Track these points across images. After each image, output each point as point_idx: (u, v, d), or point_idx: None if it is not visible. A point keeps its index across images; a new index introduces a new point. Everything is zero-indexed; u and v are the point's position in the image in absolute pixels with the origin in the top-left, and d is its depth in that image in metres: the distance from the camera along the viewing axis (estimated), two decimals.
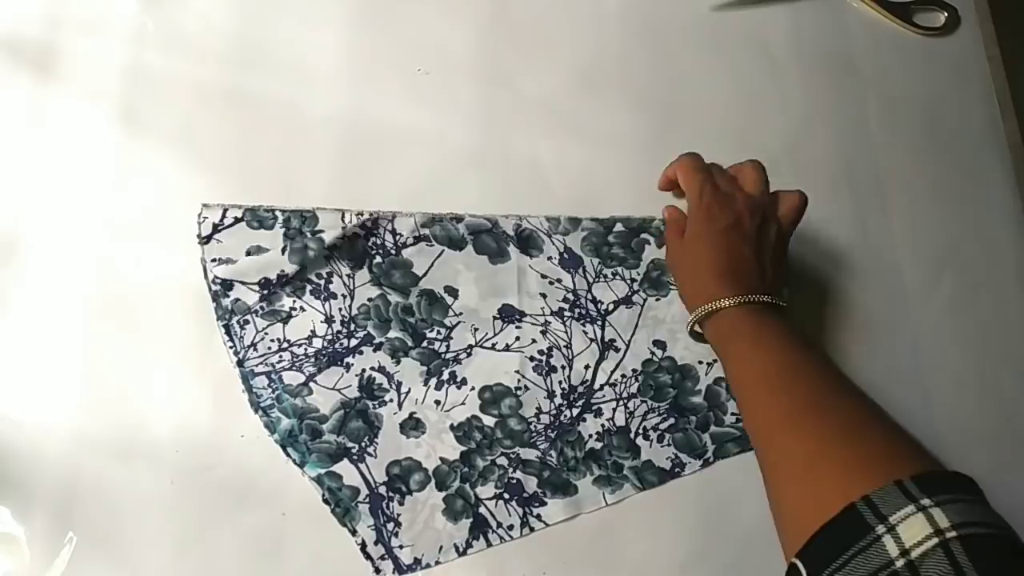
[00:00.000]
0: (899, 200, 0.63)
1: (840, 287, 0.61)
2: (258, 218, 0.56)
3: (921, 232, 0.63)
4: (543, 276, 0.58)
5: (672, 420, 0.56)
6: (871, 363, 0.59)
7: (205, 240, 0.56)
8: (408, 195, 0.58)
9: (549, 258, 0.58)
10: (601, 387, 0.56)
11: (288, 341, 0.55)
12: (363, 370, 0.55)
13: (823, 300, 0.60)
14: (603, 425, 0.56)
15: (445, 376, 0.55)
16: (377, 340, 0.55)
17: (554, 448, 0.55)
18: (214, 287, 0.55)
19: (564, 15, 0.65)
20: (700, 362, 0.58)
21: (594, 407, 0.56)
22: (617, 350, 0.57)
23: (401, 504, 0.53)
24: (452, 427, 0.54)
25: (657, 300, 0.59)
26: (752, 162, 0.54)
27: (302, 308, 0.55)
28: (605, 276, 0.58)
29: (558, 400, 0.56)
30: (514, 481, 0.54)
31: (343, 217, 0.57)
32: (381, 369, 0.55)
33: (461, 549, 0.52)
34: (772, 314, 0.49)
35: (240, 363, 0.54)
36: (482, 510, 0.53)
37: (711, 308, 0.49)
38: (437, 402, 0.55)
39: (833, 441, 0.41)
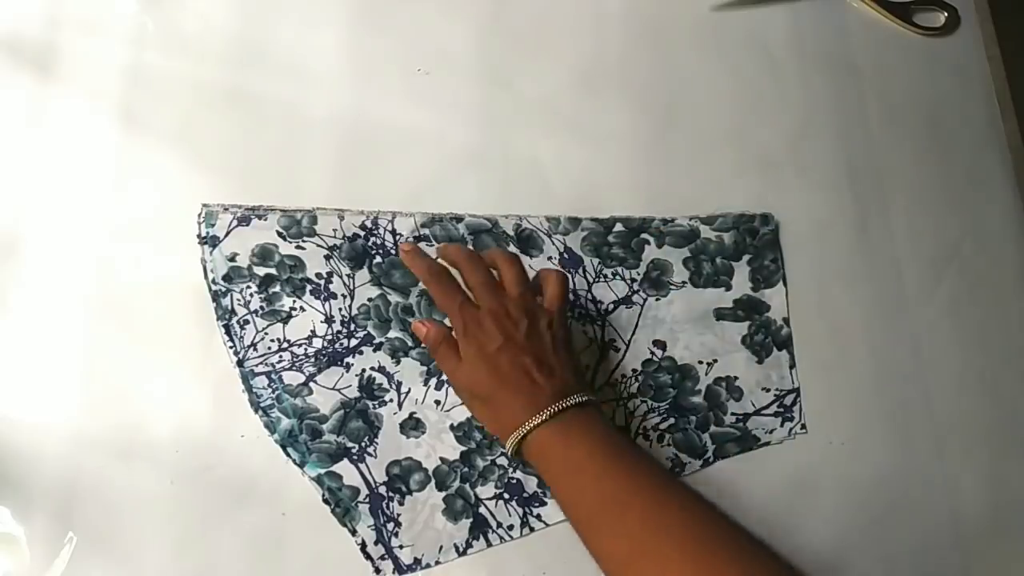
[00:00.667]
0: (899, 200, 0.63)
1: (840, 287, 0.61)
2: (258, 218, 0.56)
3: (921, 232, 0.63)
4: None
5: (672, 420, 0.56)
6: (871, 363, 0.59)
7: (205, 240, 0.56)
8: (408, 195, 0.58)
9: (549, 258, 0.58)
10: (601, 387, 0.56)
11: (288, 341, 0.55)
12: (363, 370, 0.55)
13: (823, 300, 0.60)
14: None
15: (445, 376, 0.55)
16: (377, 340, 0.55)
17: None
18: (214, 287, 0.55)
19: (564, 15, 0.65)
20: (700, 362, 0.58)
21: None
22: (617, 350, 0.57)
23: (401, 504, 0.53)
24: (452, 427, 0.54)
25: (657, 300, 0.59)
26: (504, 258, 0.51)
27: (302, 308, 0.55)
28: (605, 276, 0.58)
29: None
30: (514, 481, 0.54)
31: (343, 217, 0.57)
32: (381, 369, 0.55)
33: (461, 549, 0.52)
34: (581, 423, 0.47)
35: (240, 363, 0.54)
36: (482, 510, 0.53)
37: (516, 437, 0.47)
38: (437, 402, 0.55)
39: (685, 571, 0.41)
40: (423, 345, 0.54)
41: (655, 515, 0.43)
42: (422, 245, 0.57)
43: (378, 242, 0.57)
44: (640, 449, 0.54)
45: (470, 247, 0.57)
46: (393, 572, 0.51)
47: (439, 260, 0.53)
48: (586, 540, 0.45)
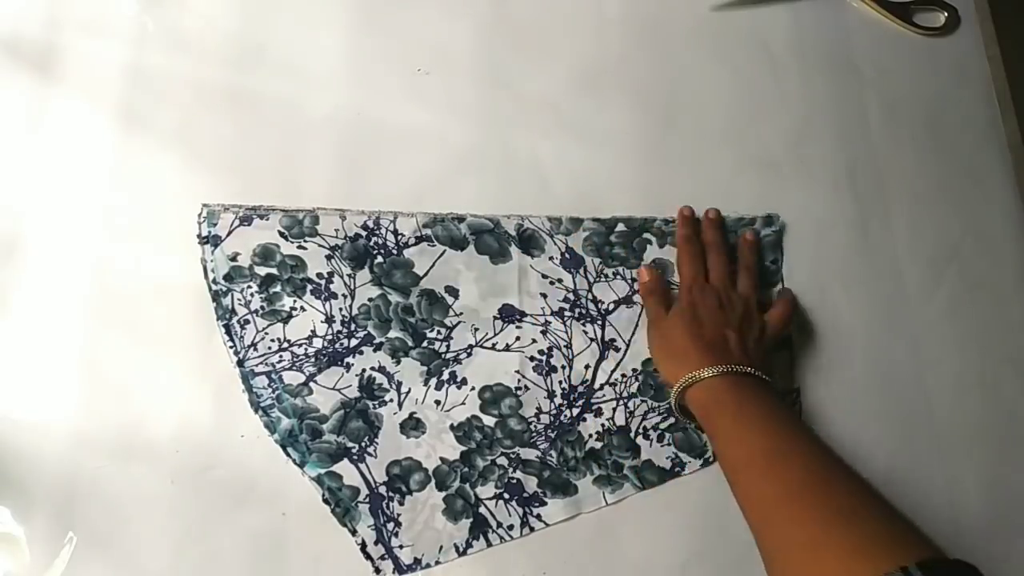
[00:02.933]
0: (899, 200, 0.63)
1: (840, 287, 0.61)
2: (260, 218, 0.56)
3: (921, 232, 0.63)
4: (544, 276, 0.58)
5: (672, 419, 0.56)
6: (871, 363, 0.59)
7: (205, 240, 0.56)
8: (408, 195, 0.58)
9: (551, 258, 0.58)
10: (601, 387, 0.56)
11: (288, 341, 0.55)
12: (363, 370, 0.55)
13: (823, 300, 0.60)
14: (603, 425, 0.56)
15: (445, 376, 0.55)
16: (377, 340, 0.55)
17: (554, 448, 0.55)
18: (214, 287, 0.55)
19: (564, 15, 0.65)
20: None
21: (594, 407, 0.56)
22: (617, 350, 0.57)
23: (401, 504, 0.53)
24: (452, 427, 0.54)
25: None
26: (748, 269, 0.57)
27: (302, 308, 0.55)
28: (606, 276, 0.58)
29: (558, 400, 0.56)
30: (514, 481, 0.54)
31: (345, 217, 0.57)
32: (381, 369, 0.55)
33: (461, 549, 0.52)
34: (756, 387, 0.49)
35: (240, 363, 0.54)
36: (482, 510, 0.53)
37: (694, 377, 0.50)
38: (437, 402, 0.55)
39: (833, 525, 0.41)
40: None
41: (812, 467, 0.45)
42: (424, 245, 0.57)
43: (379, 242, 0.57)
44: (816, 437, 0.54)
45: (472, 248, 0.57)
46: (393, 572, 0.51)
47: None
48: (738, 482, 0.46)
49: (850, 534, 0.40)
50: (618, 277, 0.59)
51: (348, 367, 0.55)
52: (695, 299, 0.54)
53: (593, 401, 0.56)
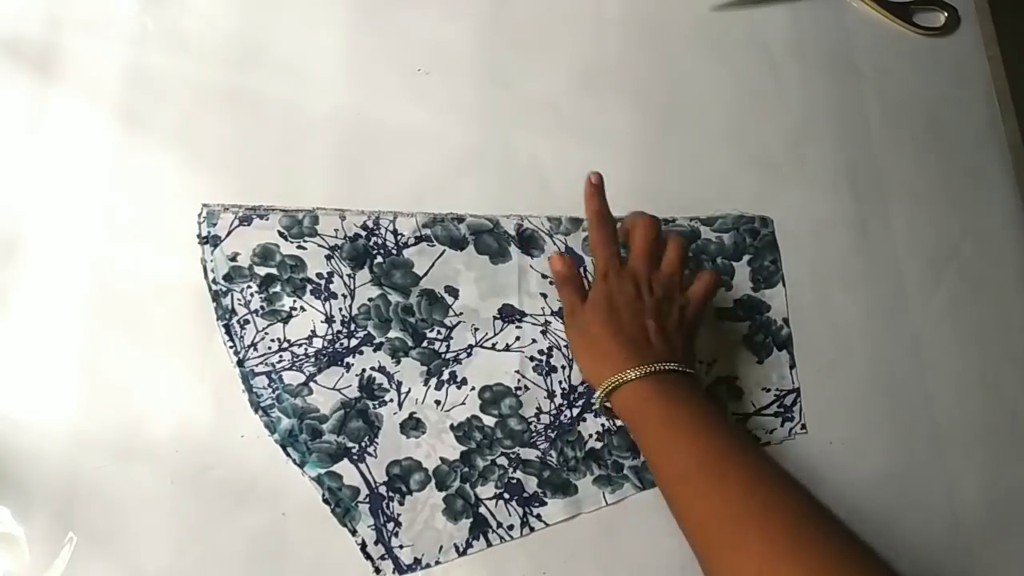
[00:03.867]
0: (899, 200, 0.63)
1: (840, 287, 0.61)
2: (260, 218, 0.56)
3: (921, 232, 0.63)
4: (544, 276, 0.58)
5: None
6: (871, 363, 0.59)
7: (205, 240, 0.56)
8: (408, 195, 0.58)
9: (550, 258, 0.58)
10: None
11: (288, 341, 0.55)
12: (363, 370, 0.55)
13: (823, 300, 0.60)
14: (603, 425, 0.56)
15: (445, 376, 0.55)
16: (377, 340, 0.55)
17: (554, 448, 0.55)
18: (214, 287, 0.55)
19: (564, 15, 0.65)
20: (700, 362, 0.58)
21: (594, 407, 0.56)
22: None
23: (401, 504, 0.53)
24: (452, 427, 0.54)
25: None
26: (674, 244, 0.53)
27: (302, 308, 0.55)
28: None
29: (558, 400, 0.56)
30: (514, 481, 0.54)
31: (344, 217, 0.57)
32: (381, 369, 0.55)
33: (461, 549, 0.52)
34: (684, 387, 0.47)
35: (240, 363, 0.54)
36: (482, 510, 0.53)
37: (617, 380, 0.46)
38: (437, 402, 0.55)
39: (781, 556, 0.38)
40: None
41: (752, 484, 0.42)
42: (423, 245, 0.57)
43: (379, 242, 0.57)
44: (736, 424, 0.53)
45: (471, 248, 0.57)
46: (393, 572, 0.51)
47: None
48: (674, 498, 0.44)
49: (799, 564, 0.38)
50: None
51: (348, 367, 0.55)
52: (611, 287, 0.50)
53: (593, 401, 0.56)
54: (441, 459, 0.54)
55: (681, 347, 0.50)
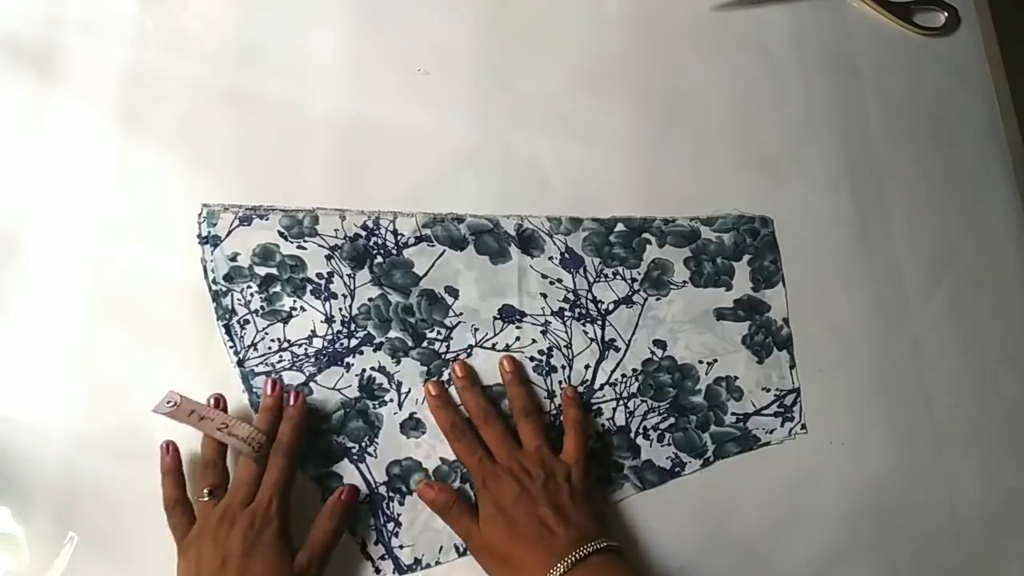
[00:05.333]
0: (899, 200, 0.63)
1: (840, 287, 0.61)
2: (260, 218, 0.56)
3: (921, 232, 0.63)
4: (544, 276, 0.58)
5: (672, 420, 0.56)
6: (871, 363, 0.59)
7: (205, 240, 0.56)
8: (408, 195, 0.58)
9: (550, 258, 0.58)
10: (601, 387, 0.56)
11: (288, 341, 0.54)
12: (363, 370, 0.55)
13: (823, 300, 0.60)
14: (603, 425, 0.56)
15: (445, 376, 0.55)
16: (377, 340, 0.55)
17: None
18: (214, 287, 0.55)
19: (564, 15, 0.65)
20: (700, 362, 0.58)
21: (594, 407, 0.56)
22: (617, 350, 0.57)
23: (401, 504, 0.53)
24: None
25: (657, 300, 0.59)
26: (522, 414, 0.52)
27: (302, 308, 0.55)
28: (605, 276, 0.58)
29: (558, 400, 0.56)
30: None
31: (344, 217, 0.57)
32: (381, 369, 0.55)
33: (461, 549, 0.52)
34: (603, 567, 0.45)
35: (240, 363, 0.54)
36: None
37: None
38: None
39: None
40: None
41: None
42: (423, 245, 0.57)
43: (379, 242, 0.57)
44: None
45: (471, 248, 0.57)
46: (393, 572, 0.51)
47: (462, 409, 0.53)
48: None
49: None
50: (618, 277, 0.59)
51: (348, 367, 0.55)
52: (493, 494, 0.49)
53: (593, 401, 0.56)
54: (441, 459, 0.54)
55: (587, 517, 0.48)
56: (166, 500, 0.49)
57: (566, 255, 0.58)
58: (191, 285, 0.55)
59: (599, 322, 0.58)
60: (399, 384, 0.55)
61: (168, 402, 0.49)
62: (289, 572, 0.46)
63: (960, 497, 0.57)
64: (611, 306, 0.58)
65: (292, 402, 0.51)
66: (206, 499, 0.48)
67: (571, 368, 0.56)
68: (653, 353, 0.57)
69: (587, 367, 0.57)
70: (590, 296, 0.58)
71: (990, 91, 0.67)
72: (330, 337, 0.55)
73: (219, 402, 0.51)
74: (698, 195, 0.61)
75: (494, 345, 0.56)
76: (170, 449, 0.50)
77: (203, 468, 0.49)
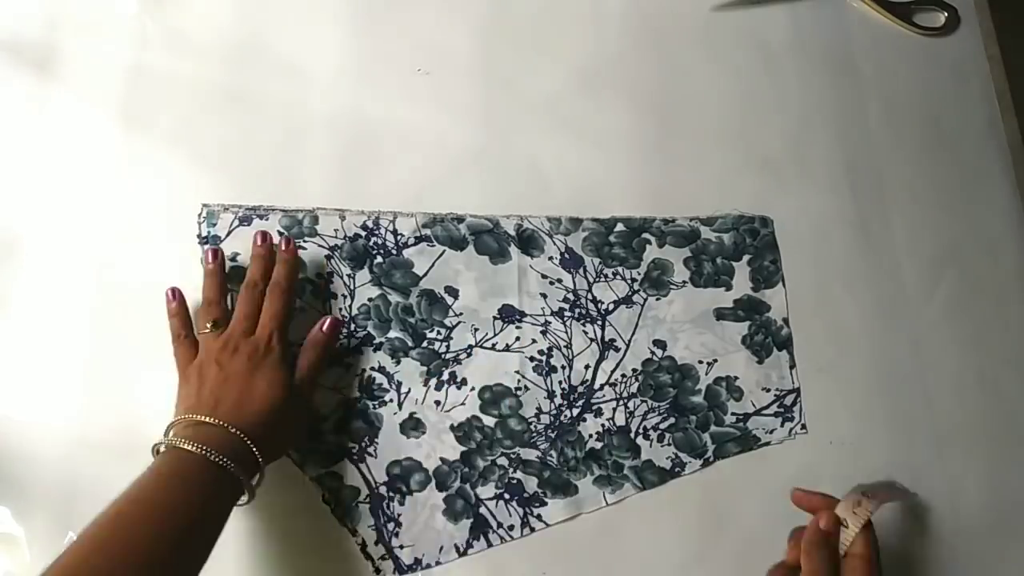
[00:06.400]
0: (899, 200, 0.63)
1: (840, 287, 0.61)
2: (259, 218, 0.56)
3: (921, 232, 0.63)
4: (543, 276, 0.58)
5: (672, 420, 0.56)
6: (871, 363, 0.59)
7: (205, 240, 0.56)
8: (408, 195, 0.58)
9: (550, 258, 0.58)
10: (601, 387, 0.56)
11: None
12: (363, 370, 0.55)
13: (823, 300, 0.60)
14: (603, 425, 0.56)
15: (445, 376, 0.55)
16: (377, 340, 0.55)
17: (554, 448, 0.55)
18: None
19: (564, 15, 0.65)
20: (700, 362, 0.58)
21: (594, 407, 0.56)
22: (617, 350, 0.57)
23: (401, 504, 0.53)
24: (452, 427, 0.54)
25: (657, 300, 0.59)
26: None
27: (302, 308, 0.55)
28: (605, 276, 0.58)
29: (558, 400, 0.56)
30: (514, 481, 0.54)
31: (344, 217, 0.57)
32: (381, 369, 0.55)
33: (461, 549, 0.52)
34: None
35: None
36: (482, 510, 0.53)
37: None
38: (437, 402, 0.55)
39: None
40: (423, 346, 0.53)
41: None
42: (423, 245, 0.57)
43: (379, 242, 0.57)
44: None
45: (471, 248, 0.57)
46: (393, 572, 0.51)
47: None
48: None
49: None
50: (617, 277, 0.59)
51: (348, 367, 0.55)
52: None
53: (593, 401, 0.56)
54: (441, 459, 0.54)
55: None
56: (173, 333, 0.51)
57: (566, 255, 0.58)
58: (191, 285, 0.54)
59: (599, 322, 0.58)
60: (399, 384, 0.55)
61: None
62: (290, 385, 0.49)
63: (960, 497, 0.57)
64: (611, 306, 0.58)
65: (284, 247, 0.54)
66: (208, 330, 0.50)
67: (571, 368, 0.56)
68: (653, 353, 0.57)
69: (587, 367, 0.56)
70: (590, 296, 0.58)
71: (990, 91, 0.67)
72: None
73: (175, 294, 0.52)
74: (698, 195, 0.61)
75: (494, 345, 0.56)
76: (176, 295, 0.52)
77: (206, 306, 0.51)
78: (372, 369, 0.55)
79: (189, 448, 0.43)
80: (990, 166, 0.65)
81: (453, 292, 0.57)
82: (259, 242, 0.53)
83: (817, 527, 0.48)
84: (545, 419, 0.55)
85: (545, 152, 0.61)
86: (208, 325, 0.50)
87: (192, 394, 0.48)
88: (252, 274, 0.52)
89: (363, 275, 0.56)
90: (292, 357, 0.51)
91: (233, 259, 0.55)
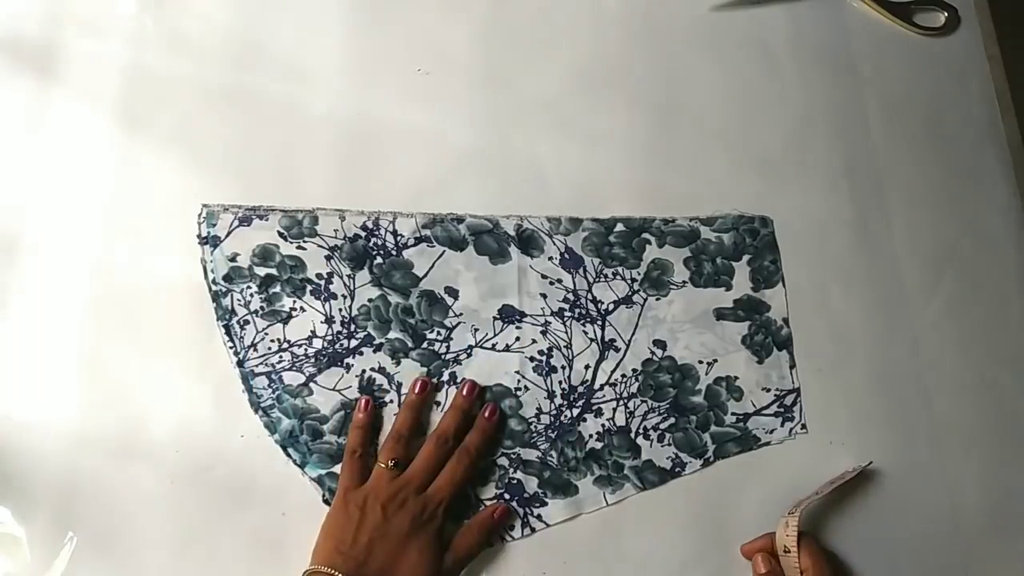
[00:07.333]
0: (899, 200, 0.63)
1: (840, 287, 0.61)
2: (259, 218, 0.56)
3: (921, 232, 0.63)
4: (543, 276, 0.58)
5: (672, 420, 0.56)
6: (871, 363, 0.59)
7: (205, 240, 0.56)
8: (408, 195, 0.58)
9: (550, 258, 0.58)
10: (601, 387, 0.56)
11: (288, 341, 0.55)
12: (363, 371, 0.55)
13: (823, 300, 0.60)
14: (603, 425, 0.56)
15: (445, 377, 0.55)
16: (377, 341, 0.55)
17: (554, 448, 0.55)
18: (214, 287, 0.55)
19: (564, 15, 0.65)
20: (700, 362, 0.58)
21: (594, 407, 0.56)
22: (617, 350, 0.57)
23: None
24: None
25: (657, 300, 0.59)
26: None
27: (302, 308, 0.55)
28: (605, 276, 0.59)
29: (558, 400, 0.56)
30: (514, 481, 0.54)
31: (344, 218, 0.57)
32: (381, 370, 0.55)
33: None
34: None
35: (240, 363, 0.54)
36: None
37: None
38: (437, 403, 0.55)
39: None
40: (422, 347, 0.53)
41: None
42: (423, 246, 0.57)
43: (379, 243, 0.57)
44: None
45: (471, 248, 0.57)
46: None
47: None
48: None
49: None
50: (617, 277, 0.59)
51: (348, 368, 0.55)
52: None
53: (593, 401, 0.56)
54: None
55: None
56: (350, 446, 0.51)
57: (566, 255, 0.58)
58: (191, 285, 0.55)
59: (599, 322, 0.58)
60: (399, 385, 0.55)
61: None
62: (439, 570, 0.48)
63: (960, 497, 0.57)
64: (611, 306, 0.58)
65: (488, 414, 0.53)
66: (386, 467, 0.50)
67: (571, 368, 0.56)
68: (653, 353, 0.57)
69: (587, 367, 0.57)
70: (590, 296, 0.58)
71: (990, 91, 0.67)
72: (330, 338, 0.55)
73: (425, 385, 0.53)
74: (698, 195, 0.61)
75: (494, 345, 0.56)
76: (367, 406, 0.52)
77: (394, 440, 0.51)
78: (372, 370, 0.55)
79: None
80: (990, 166, 0.65)
81: (453, 293, 0.57)
82: (464, 392, 0.53)
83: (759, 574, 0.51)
84: (545, 419, 0.55)
85: (545, 152, 0.61)
86: (390, 462, 0.50)
87: (349, 531, 0.47)
88: (446, 427, 0.52)
89: (363, 276, 0.56)
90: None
91: (233, 259, 0.55)
